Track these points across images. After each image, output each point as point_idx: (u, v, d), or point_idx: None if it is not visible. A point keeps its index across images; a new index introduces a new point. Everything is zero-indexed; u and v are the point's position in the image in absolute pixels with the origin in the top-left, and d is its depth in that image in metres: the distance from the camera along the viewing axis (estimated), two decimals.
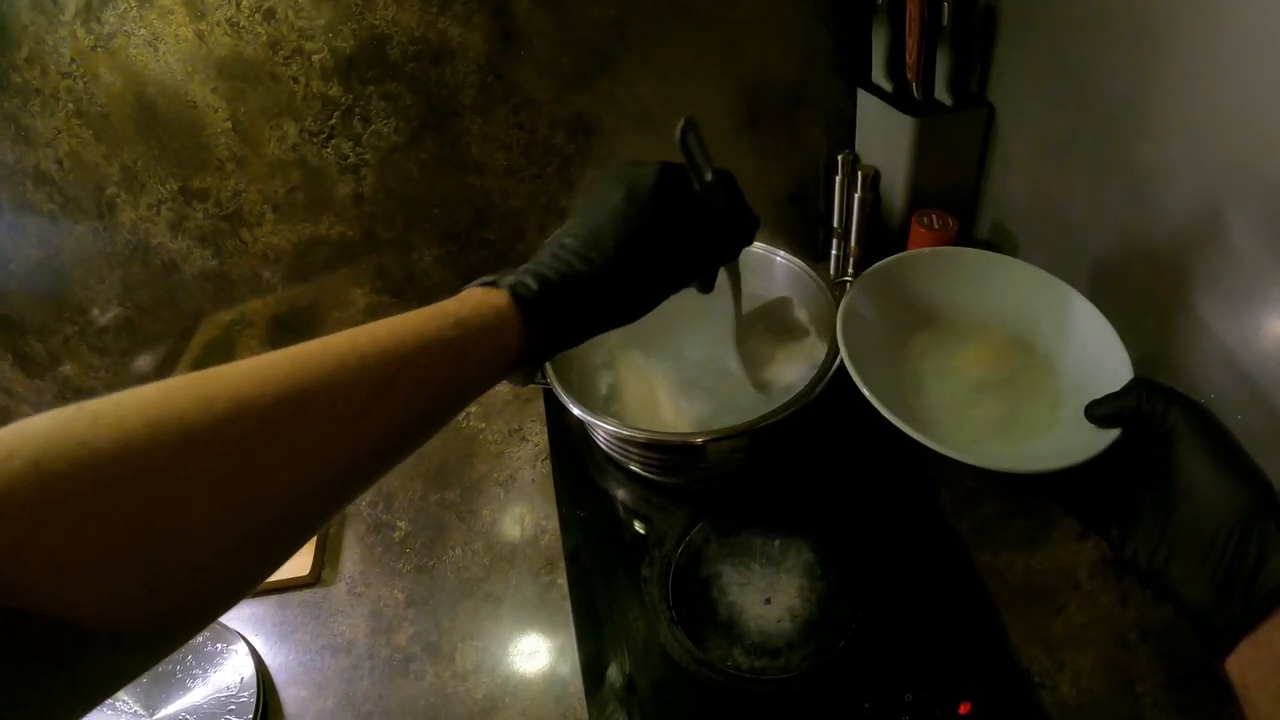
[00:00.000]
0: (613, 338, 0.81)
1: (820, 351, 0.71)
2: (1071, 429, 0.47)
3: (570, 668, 0.66)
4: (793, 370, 0.71)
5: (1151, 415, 0.41)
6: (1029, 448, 0.50)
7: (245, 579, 0.32)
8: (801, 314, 0.75)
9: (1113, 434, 0.43)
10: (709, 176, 0.50)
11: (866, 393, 0.49)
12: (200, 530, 0.28)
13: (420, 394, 0.36)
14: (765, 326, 0.73)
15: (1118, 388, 0.46)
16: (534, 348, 0.43)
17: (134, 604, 0.27)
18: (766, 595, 0.66)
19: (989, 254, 0.60)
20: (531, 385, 0.89)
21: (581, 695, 0.64)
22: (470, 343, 0.39)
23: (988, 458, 0.45)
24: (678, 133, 0.48)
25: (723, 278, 0.57)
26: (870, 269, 0.59)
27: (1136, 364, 0.67)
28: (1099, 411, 0.45)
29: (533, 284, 0.42)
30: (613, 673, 0.65)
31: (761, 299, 0.73)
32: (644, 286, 0.47)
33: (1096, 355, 0.51)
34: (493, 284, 0.43)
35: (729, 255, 0.54)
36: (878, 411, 0.49)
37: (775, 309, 0.74)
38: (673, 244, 0.47)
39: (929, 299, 0.60)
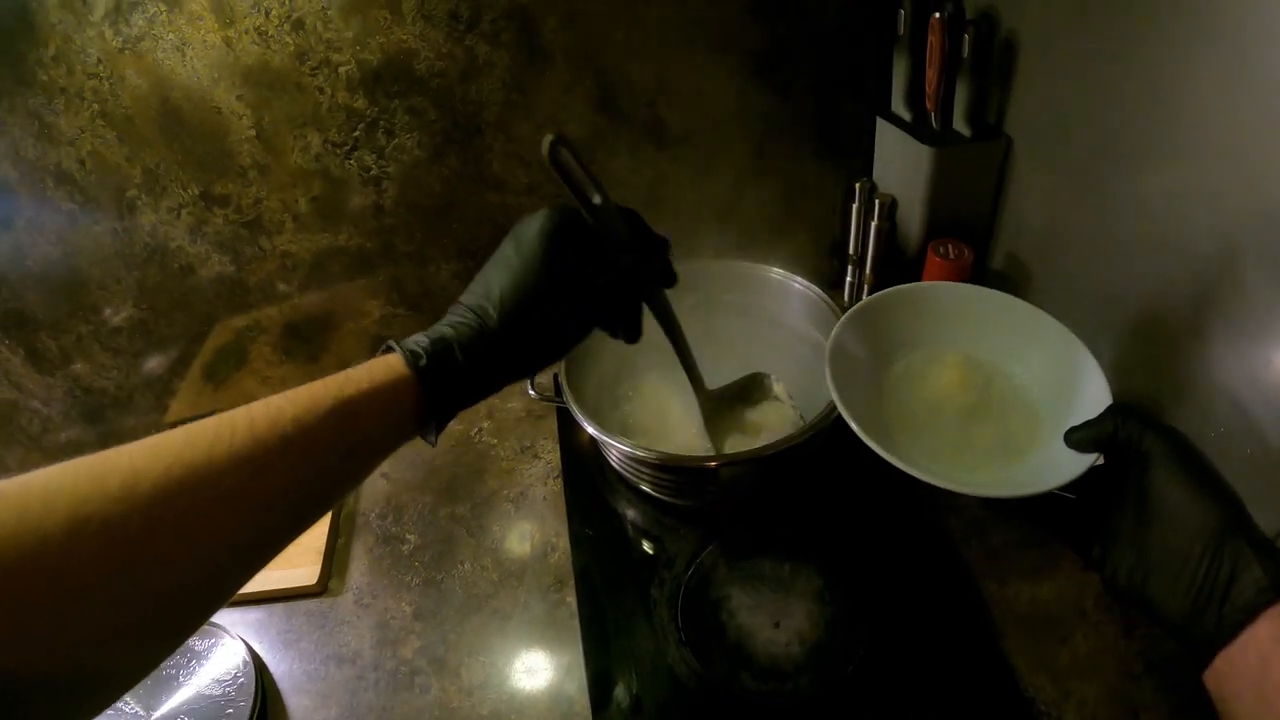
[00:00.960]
0: (634, 361, 0.82)
1: (796, 422, 0.71)
2: (1051, 455, 0.48)
3: (577, 686, 0.66)
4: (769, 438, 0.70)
5: (1128, 440, 0.43)
6: (1009, 473, 0.51)
7: (154, 651, 0.34)
8: (779, 388, 0.75)
9: (1089, 459, 0.45)
10: (597, 200, 0.47)
11: (851, 423, 0.50)
12: (99, 606, 0.30)
13: (314, 456, 0.38)
14: (740, 400, 0.74)
15: (1096, 413, 0.47)
16: (433, 408, 0.44)
17: (44, 675, 0.28)
18: (776, 619, 0.67)
19: (970, 287, 0.62)
20: (545, 402, 0.89)
21: (588, 714, 0.63)
22: (364, 405, 0.40)
23: (967, 484, 0.46)
24: (545, 151, 0.44)
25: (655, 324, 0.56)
26: (855, 307, 0.60)
27: (1145, 397, 0.68)
28: (1076, 437, 0.46)
29: (423, 349, 0.43)
30: (620, 692, 0.64)
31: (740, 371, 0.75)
32: (543, 336, 0.47)
33: (1075, 382, 0.52)
34: (390, 349, 0.44)
35: (640, 291, 0.52)
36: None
37: (751, 384, 0.74)
38: (565, 287, 0.46)
39: (913, 333, 0.61)
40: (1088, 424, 0.46)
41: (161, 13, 0.70)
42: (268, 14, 0.71)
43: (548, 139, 0.43)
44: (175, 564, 0.32)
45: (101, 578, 0.29)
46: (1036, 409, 0.55)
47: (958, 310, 0.60)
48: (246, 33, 0.72)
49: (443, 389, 0.44)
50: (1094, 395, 0.50)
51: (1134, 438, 0.42)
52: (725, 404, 0.73)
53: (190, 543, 0.33)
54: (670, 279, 0.53)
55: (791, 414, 0.73)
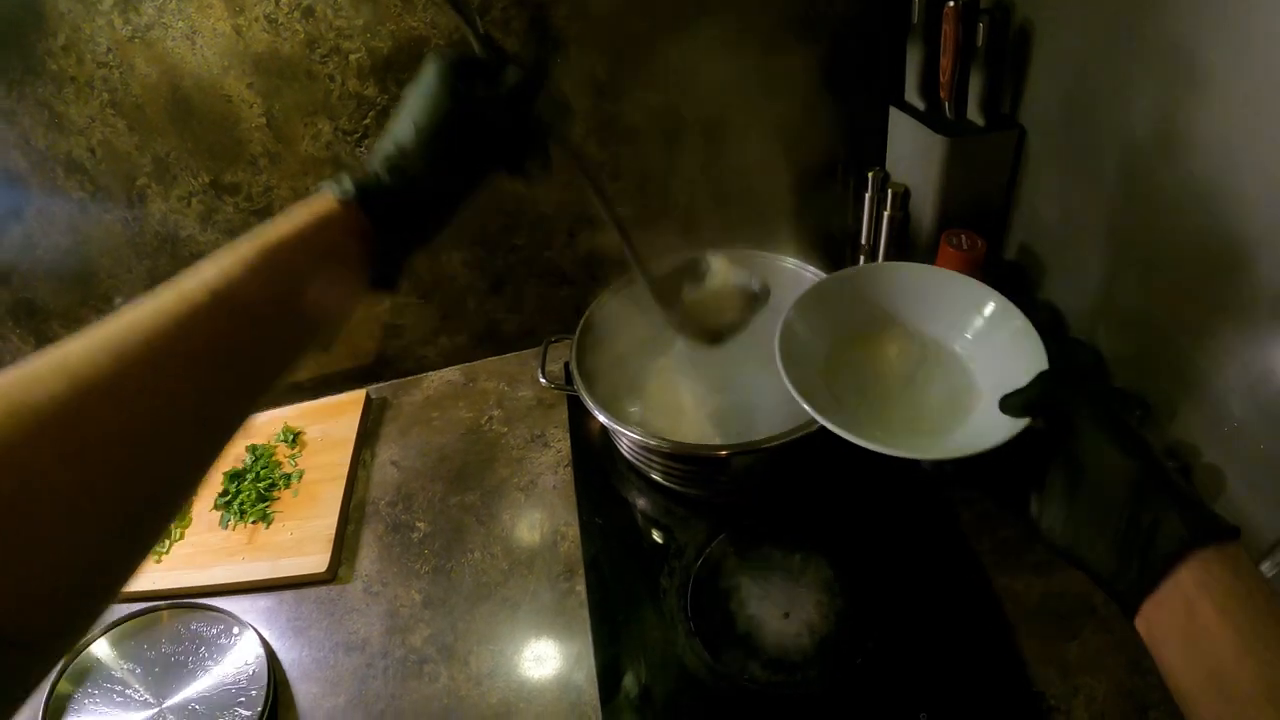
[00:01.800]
0: (646, 350, 0.82)
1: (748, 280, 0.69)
2: (989, 421, 0.50)
3: (586, 675, 0.66)
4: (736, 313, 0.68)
5: (1056, 403, 0.45)
6: (947, 438, 0.53)
7: (118, 559, 0.32)
8: (719, 262, 0.71)
9: (1021, 423, 0.46)
10: (477, 49, 0.48)
11: (795, 394, 0.52)
12: (51, 513, 0.29)
13: (243, 306, 0.36)
14: (689, 279, 0.70)
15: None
16: (369, 237, 0.43)
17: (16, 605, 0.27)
18: (785, 609, 0.66)
19: (916, 265, 0.62)
20: (556, 391, 0.89)
21: (596, 703, 0.64)
22: (290, 245, 0.39)
23: (903, 448, 0.48)
24: None
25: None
26: (804, 292, 0.61)
27: (1156, 391, 0.68)
28: (1010, 402, 0.47)
29: (345, 179, 0.43)
30: (629, 682, 0.65)
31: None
32: (459, 158, 0.46)
33: (1017, 351, 0.54)
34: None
35: (529, 112, 0.49)
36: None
37: (691, 266, 0.70)
38: (468, 108, 0.46)
39: (860, 312, 0.61)
40: (1019, 390, 0.47)
41: (171, 1, 0.70)
42: (278, 1, 0.71)
43: None
44: (121, 444, 0.31)
45: (49, 477, 0.28)
46: (975, 378, 0.56)
47: (902, 289, 0.61)
48: (256, 20, 0.71)
49: (374, 213, 0.43)
50: (1031, 361, 0.51)
51: (1062, 401, 0.44)
52: (673, 285, 0.68)
53: (132, 414, 0.31)
54: (558, 105, 0.51)
55: (743, 274, 0.70)
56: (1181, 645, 0.37)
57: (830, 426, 0.50)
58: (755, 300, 0.69)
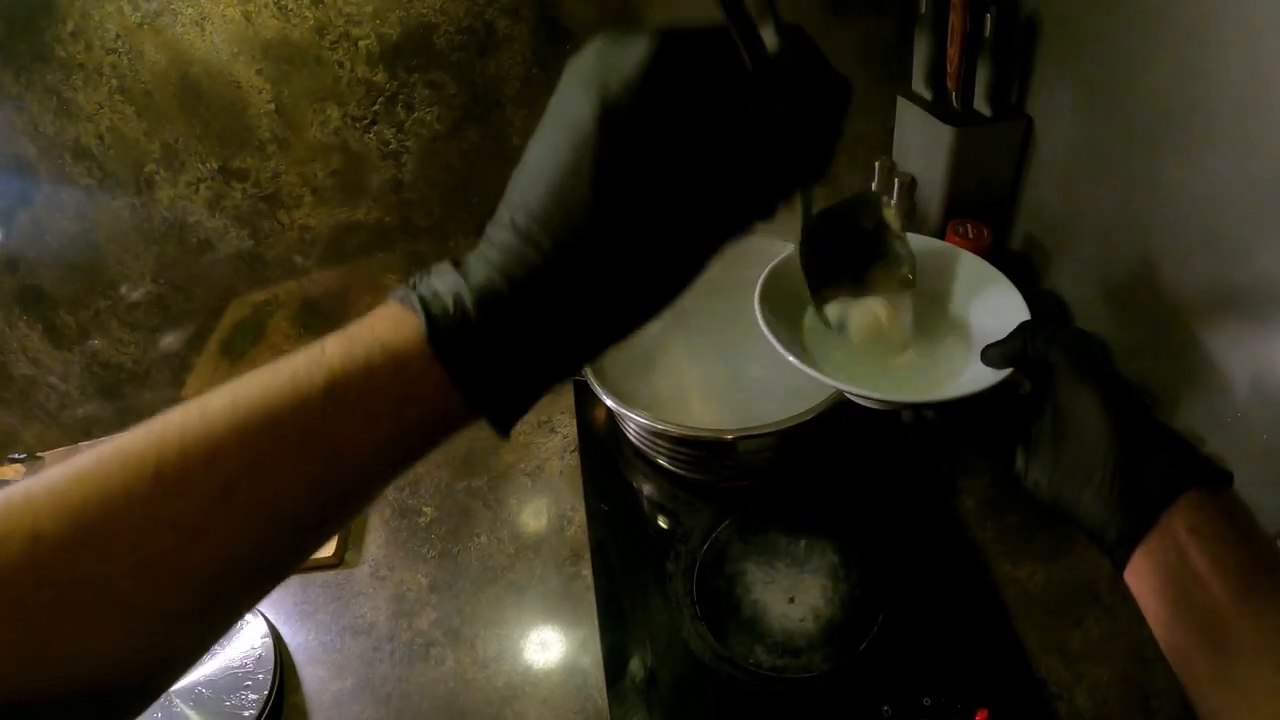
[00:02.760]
0: (653, 333, 0.82)
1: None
2: (975, 371, 0.50)
3: (592, 659, 0.66)
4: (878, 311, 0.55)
5: (1037, 353, 0.44)
6: (931, 388, 0.53)
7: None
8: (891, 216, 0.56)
9: (1002, 373, 0.47)
10: (772, 43, 0.29)
11: (780, 347, 0.51)
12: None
13: (281, 500, 0.25)
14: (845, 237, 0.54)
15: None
16: (479, 396, 0.28)
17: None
18: (790, 594, 0.67)
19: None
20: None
21: (602, 687, 0.64)
22: (356, 420, 0.26)
23: (884, 391, 0.48)
24: None
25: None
26: (786, 254, 0.60)
27: (1159, 381, 0.68)
28: (991, 354, 0.47)
29: (453, 302, 0.27)
30: (634, 666, 0.65)
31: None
32: (663, 253, 0.28)
33: (999, 306, 0.54)
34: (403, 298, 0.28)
35: (814, 162, 0.32)
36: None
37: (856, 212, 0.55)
38: (700, 169, 0.27)
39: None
40: (999, 341, 0.47)
41: None
42: None
43: None
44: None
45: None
46: (955, 333, 0.57)
47: None
48: (266, 7, 0.71)
49: (500, 363, 0.27)
50: (1012, 314, 0.52)
51: (1042, 351, 0.43)
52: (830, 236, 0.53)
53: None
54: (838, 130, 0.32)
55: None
56: (1172, 596, 0.36)
57: (806, 369, 0.49)
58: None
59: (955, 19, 0.74)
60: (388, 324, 0.27)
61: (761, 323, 0.53)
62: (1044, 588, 0.67)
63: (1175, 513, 0.36)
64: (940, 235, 0.81)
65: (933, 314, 0.58)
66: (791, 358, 0.50)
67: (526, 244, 0.27)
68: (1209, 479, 0.37)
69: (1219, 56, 0.55)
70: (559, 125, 0.27)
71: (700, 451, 0.73)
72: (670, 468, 0.77)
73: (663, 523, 0.76)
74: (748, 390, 0.75)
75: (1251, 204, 0.56)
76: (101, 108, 0.76)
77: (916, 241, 0.60)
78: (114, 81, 0.74)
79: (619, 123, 0.25)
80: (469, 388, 0.27)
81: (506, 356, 0.27)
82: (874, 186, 0.85)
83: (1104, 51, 0.67)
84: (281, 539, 0.26)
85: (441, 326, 0.26)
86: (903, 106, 0.85)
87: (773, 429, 0.66)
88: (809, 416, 0.65)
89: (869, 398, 0.48)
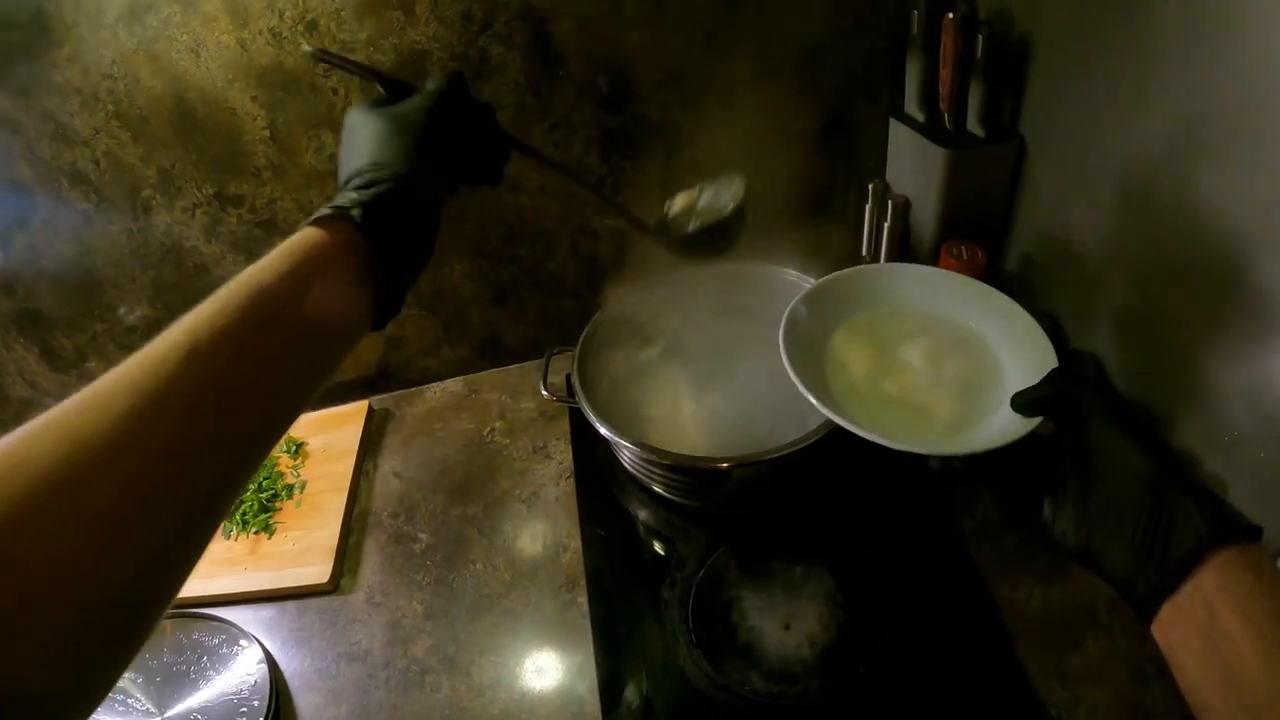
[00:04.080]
0: (647, 361, 0.82)
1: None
2: (1003, 420, 0.50)
3: (588, 686, 0.66)
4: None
5: (1068, 401, 0.44)
6: (957, 436, 0.52)
7: (100, 663, 0.30)
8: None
9: (1033, 422, 0.46)
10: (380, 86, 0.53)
11: (798, 381, 0.52)
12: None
13: (287, 329, 0.38)
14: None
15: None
16: (371, 262, 0.42)
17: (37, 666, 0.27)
18: (786, 621, 0.67)
19: (922, 267, 0.63)
20: (558, 403, 0.89)
21: (598, 714, 0.64)
22: (272, 276, 0.38)
23: (914, 443, 0.48)
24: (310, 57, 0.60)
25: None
26: (811, 286, 0.62)
27: (1157, 401, 0.68)
28: (1021, 400, 0.47)
29: (347, 203, 0.43)
30: (630, 693, 0.65)
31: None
32: (432, 185, 0.49)
33: (1024, 351, 0.54)
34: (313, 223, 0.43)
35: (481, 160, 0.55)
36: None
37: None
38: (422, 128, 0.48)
39: (871, 308, 0.62)
40: (1031, 388, 0.47)
41: (176, 14, 0.70)
42: (282, 15, 0.71)
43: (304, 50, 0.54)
44: (122, 498, 0.30)
45: (50, 536, 0.28)
46: (983, 378, 0.56)
47: (909, 288, 0.62)
48: (261, 34, 0.72)
49: (366, 225, 0.42)
50: (1040, 361, 0.52)
51: (1073, 399, 0.43)
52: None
53: (127, 467, 0.30)
54: (481, 108, 0.54)
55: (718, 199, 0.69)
56: (1200, 651, 0.35)
57: (835, 419, 0.49)
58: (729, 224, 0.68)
59: (947, 40, 0.74)
60: (306, 233, 0.42)
61: (792, 373, 0.53)
62: (1042, 610, 0.67)
63: (1205, 568, 0.36)
64: (935, 257, 0.81)
65: (959, 355, 0.58)
66: (824, 409, 0.50)
67: (376, 180, 0.44)
68: (1240, 535, 0.36)
69: (1212, 75, 0.55)
70: (356, 135, 0.49)
71: (695, 479, 0.72)
72: (665, 494, 0.77)
73: (658, 549, 0.75)
74: (745, 416, 0.75)
75: (1247, 222, 0.55)
76: (98, 132, 0.76)
77: (944, 277, 0.61)
78: (110, 106, 0.75)
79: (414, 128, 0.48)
80: (373, 240, 0.42)
81: (382, 231, 0.43)
82: (868, 208, 0.86)
83: (1096, 71, 0.67)
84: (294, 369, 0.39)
85: (353, 215, 0.42)
86: (895, 128, 0.85)
87: (769, 456, 0.65)
88: (805, 444, 0.65)
89: (900, 450, 0.48)
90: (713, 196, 0.69)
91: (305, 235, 0.41)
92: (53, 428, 0.30)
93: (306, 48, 0.55)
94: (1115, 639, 0.64)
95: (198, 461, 0.33)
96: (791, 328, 0.57)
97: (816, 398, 0.51)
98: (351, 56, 0.53)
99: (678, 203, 0.69)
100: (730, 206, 0.67)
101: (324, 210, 0.42)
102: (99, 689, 0.30)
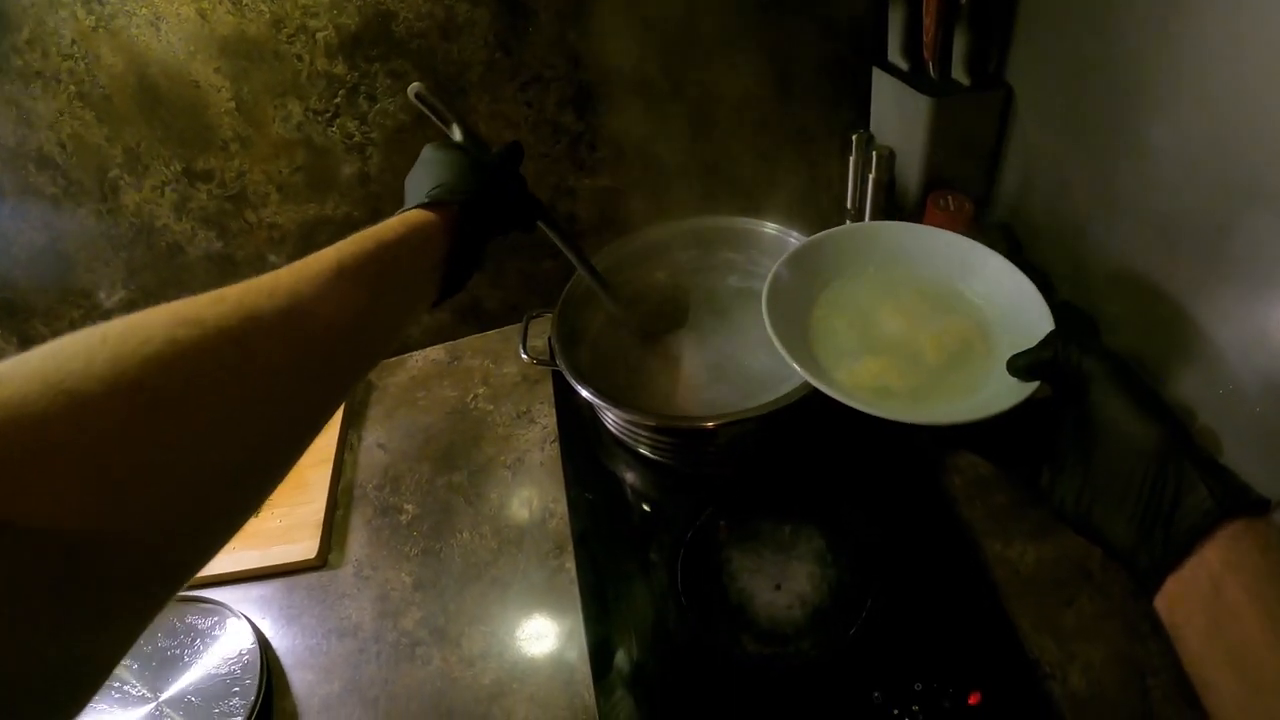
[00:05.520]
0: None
1: None
2: (998, 385, 0.48)
3: (578, 653, 0.65)
4: None
5: (1068, 365, 0.42)
6: (951, 404, 0.51)
7: (257, 484, 0.36)
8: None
9: (1031, 386, 0.45)
10: (455, 133, 0.61)
11: (782, 349, 0.51)
12: (212, 435, 0.31)
13: (354, 294, 0.42)
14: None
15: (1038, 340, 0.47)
16: (453, 246, 0.52)
17: (158, 517, 0.29)
18: (776, 581, 0.66)
19: (912, 225, 0.61)
20: (540, 367, 0.88)
21: (589, 680, 0.63)
22: (400, 247, 0.47)
23: (905, 412, 0.46)
24: (411, 96, 0.60)
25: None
26: (796, 248, 0.60)
27: (1149, 356, 0.67)
28: (1019, 364, 0.46)
29: (446, 194, 0.53)
30: (620, 658, 0.64)
31: None
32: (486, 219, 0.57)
33: (1020, 313, 0.52)
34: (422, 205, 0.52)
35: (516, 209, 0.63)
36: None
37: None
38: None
39: (860, 269, 0.60)
40: (1028, 350, 0.45)
41: None
42: None
43: (412, 89, 0.59)
44: (234, 413, 0.33)
45: (158, 430, 0.29)
46: (977, 340, 0.54)
47: (899, 248, 0.59)
48: (220, 2, 0.70)
49: (461, 226, 0.52)
50: (1036, 323, 0.50)
51: (1073, 362, 0.42)
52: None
53: (245, 384, 0.34)
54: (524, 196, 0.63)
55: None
56: (1204, 627, 0.34)
57: (822, 388, 0.48)
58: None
59: None
60: (417, 211, 0.51)
61: (777, 342, 0.51)
62: (1035, 567, 0.66)
63: (1211, 542, 0.35)
64: (920, 208, 0.79)
65: (948, 316, 0.56)
66: (810, 377, 0.49)
67: (455, 191, 0.54)
68: (1249, 508, 0.35)
69: (1198, 19, 0.53)
70: (461, 162, 0.57)
71: (681, 440, 0.71)
72: (651, 456, 0.76)
73: (646, 511, 0.75)
74: (729, 374, 0.74)
75: (1236, 169, 0.54)
76: (62, 115, 0.75)
77: (937, 236, 0.59)
78: (72, 88, 0.73)
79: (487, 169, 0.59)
80: (449, 230, 0.51)
81: (470, 223, 0.53)
82: (851, 159, 0.84)
83: (1082, 16, 0.65)
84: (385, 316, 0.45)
85: (441, 199, 0.52)
86: (878, 78, 0.83)
87: (754, 414, 0.64)
88: (790, 401, 0.64)
89: (890, 419, 0.46)
90: None
91: (417, 213, 0.50)
92: (221, 298, 0.34)
93: (415, 85, 0.59)
94: (1109, 595, 0.63)
95: (327, 366, 0.39)
96: (774, 293, 0.55)
97: (802, 366, 0.49)
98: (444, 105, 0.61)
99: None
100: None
101: (425, 199, 0.52)
102: (204, 556, 0.33)
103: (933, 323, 0.55)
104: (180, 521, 0.31)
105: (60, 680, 0.26)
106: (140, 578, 0.29)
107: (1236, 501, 0.35)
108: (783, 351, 0.50)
